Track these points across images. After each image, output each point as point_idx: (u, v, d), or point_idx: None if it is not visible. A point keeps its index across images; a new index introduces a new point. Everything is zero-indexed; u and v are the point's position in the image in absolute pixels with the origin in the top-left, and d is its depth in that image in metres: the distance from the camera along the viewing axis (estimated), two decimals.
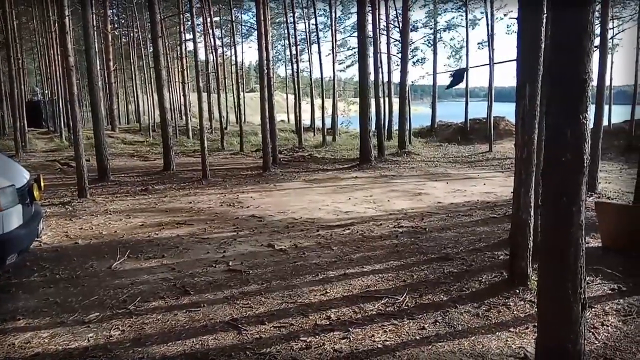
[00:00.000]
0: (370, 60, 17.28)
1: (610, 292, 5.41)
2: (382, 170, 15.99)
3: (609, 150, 18.27)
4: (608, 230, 7.02)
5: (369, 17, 17.10)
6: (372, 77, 17.48)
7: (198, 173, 15.09)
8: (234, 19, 30.56)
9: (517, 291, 5.42)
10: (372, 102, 18.50)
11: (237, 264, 6.87)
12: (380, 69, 20.65)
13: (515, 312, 5.00)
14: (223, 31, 40.34)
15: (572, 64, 2.91)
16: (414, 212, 9.94)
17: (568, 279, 3.01)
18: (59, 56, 25.36)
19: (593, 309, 4.94)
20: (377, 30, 18.85)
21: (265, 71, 15.47)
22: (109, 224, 9.29)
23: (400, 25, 20.32)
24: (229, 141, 26.49)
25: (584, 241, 3.14)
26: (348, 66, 33.76)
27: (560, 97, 3.00)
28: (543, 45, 5.44)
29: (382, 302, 5.31)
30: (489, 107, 24.92)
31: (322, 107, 28.23)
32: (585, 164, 3.00)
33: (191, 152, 23.24)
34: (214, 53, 29.71)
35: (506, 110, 28.75)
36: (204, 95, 31.11)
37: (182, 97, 37.26)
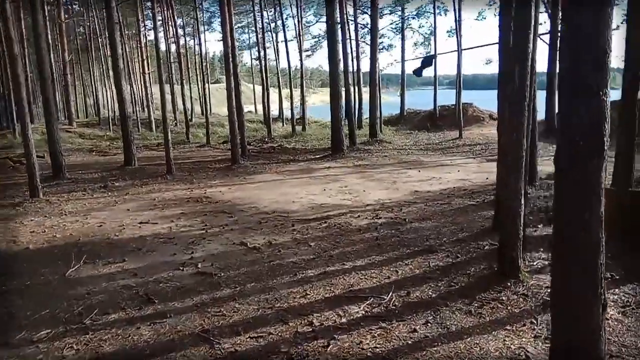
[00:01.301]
0: (340, 47, 16.79)
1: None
2: (355, 160, 15.60)
3: None
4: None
5: (337, 4, 16.57)
6: (341, 65, 16.98)
7: (162, 168, 14.28)
8: (197, 6, 29.39)
9: (509, 284, 5.11)
10: (342, 90, 18.03)
11: (207, 265, 6.33)
12: (350, 56, 20.22)
13: (509, 308, 4.68)
14: (185, 20, 38.90)
15: (593, 35, 2.51)
16: (391, 202, 9.58)
17: (588, 277, 2.65)
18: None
19: None
20: (345, 16, 18.34)
21: (231, 58, 14.74)
22: (64, 226, 8.53)
23: (370, 11, 19.85)
24: (194, 133, 25.51)
25: (603, 235, 2.79)
26: (308, 55, 33.05)
27: (576, 72, 2.60)
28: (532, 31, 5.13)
29: (368, 302, 4.90)
30: (458, 94, 24.85)
31: (291, 97, 27.57)
32: (605, 147, 2.63)
33: (155, 145, 22.23)
34: (176, 42, 28.49)
35: (472, 98, 28.90)
36: (167, 86, 29.96)
37: (143, 89, 35.79)
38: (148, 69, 34.15)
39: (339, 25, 16.59)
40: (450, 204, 8.98)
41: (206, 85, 33.35)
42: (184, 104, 26.51)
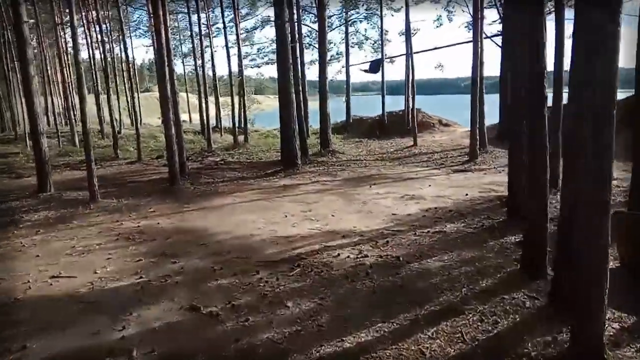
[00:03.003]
0: (290, 51, 15.09)
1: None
2: (311, 175, 13.95)
3: None
4: (627, 247, 5.65)
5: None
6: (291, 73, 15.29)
7: (85, 193, 11.81)
8: (119, 8, 26.50)
9: None
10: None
11: (147, 351, 4.43)
12: (298, 62, 18.59)
13: None
14: (110, 25, 35.49)
15: None
16: (370, 230, 8.03)
17: None
18: None
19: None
20: (295, 15, 16.70)
21: (167, 62, 12.57)
22: None
23: (317, 12, 18.36)
24: (124, 147, 22.72)
25: None
26: (253, 60, 31.15)
27: None
28: None
29: None
30: (407, 99, 24.10)
31: (232, 104, 25.47)
32: None
33: (78, 163, 19.32)
34: (100, 48, 25.46)
35: (417, 103, 28.37)
36: (91, 97, 26.78)
37: (64, 100, 32.12)
38: (69, 78, 30.65)
39: (289, 26, 14.91)
40: (445, 233, 7.55)
41: (135, 94, 30.36)
42: (111, 115, 23.62)
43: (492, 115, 20.45)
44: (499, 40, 19.95)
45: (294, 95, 15.14)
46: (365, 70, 23.10)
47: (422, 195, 10.61)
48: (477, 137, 15.53)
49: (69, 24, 22.35)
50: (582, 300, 3.73)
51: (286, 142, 15.18)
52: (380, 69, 26.11)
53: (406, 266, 6.14)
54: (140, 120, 28.92)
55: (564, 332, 4.21)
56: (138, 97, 33.00)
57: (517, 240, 6.86)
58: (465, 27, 23.17)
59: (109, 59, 28.77)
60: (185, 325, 4.94)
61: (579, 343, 3.76)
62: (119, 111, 31.76)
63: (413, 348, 4.18)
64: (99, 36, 24.42)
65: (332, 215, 9.18)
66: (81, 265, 7.05)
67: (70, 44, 31.50)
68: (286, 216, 9.30)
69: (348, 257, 6.69)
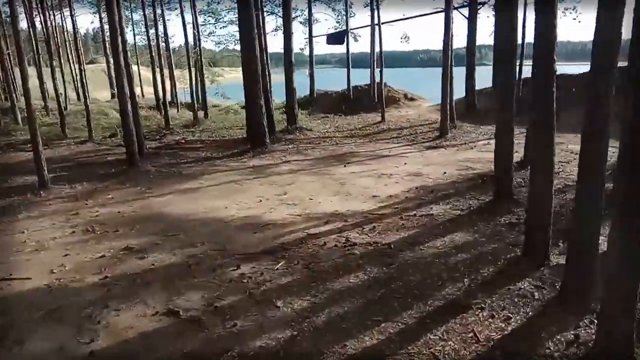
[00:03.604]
0: (254, 20, 14.12)
1: None
2: (281, 154, 13.31)
3: None
4: None
5: None
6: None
7: (32, 178, 10.69)
8: None
9: None
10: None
11: None
12: (261, 32, 17.55)
13: None
14: None
15: None
16: (352, 214, 7.60)
17: None
18: None
19: None
20: None
21: (119, 30, 11.39)
22: None
23: None
24: (72, 125, 21.04)
25: None
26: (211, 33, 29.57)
27: None
28: None
29: None
30: (372, 73, 23.65)
31: (190, 78, 24.12)
32: None
33: (22, 143, 17.76)
34: (41, 16, 23.29)
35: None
36: (32, 70, 24.71)
37: (1, 73, 29.45)
38: (7, 49, 28.11)
39: None
40: (432, 216, 7.21)
41: (81, 66, 28.22)
42: (55, 89, 21.82)
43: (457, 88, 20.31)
44: (465, 11, 19.74)
45: (260, 69, 14.30)
46: (330, 42, 22.35)
47: (399, 174, 10.26)
48: (447, 112, 15.32)
49: None
50: (611, 294, 3.45)
51: (253, 119, 14.38)
52: (345, 40, 25.48)
53: (399, 255, 5.76)
54: (88, 95, 27.01)
55: (581, 327, 3.96)
56: (84, 70, 30.83)
57: (507, 221, 6.64)
58: None
59: (50, 27, 26.50)
60: (164, 334, 4.37)
61: (604, 340, 3.49)
62: (64, 85, 29.58)
63: (425, 352, 3.81)
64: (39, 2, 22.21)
65: (310, 199, 8.68)
66: (35, 264, 6.26)
67: (7, 12, 28.83)
68: (260, 200, 8.72)
69: (335, 245, 6.24)
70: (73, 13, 29.51)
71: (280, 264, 5.75)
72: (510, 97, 7.04)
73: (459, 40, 34.10)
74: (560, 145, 9.99)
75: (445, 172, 10.05)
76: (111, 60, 21.21)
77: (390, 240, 6.27)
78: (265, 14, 23.25)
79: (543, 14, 4.82)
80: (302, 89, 28.78)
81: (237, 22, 15.86)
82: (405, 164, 11.44)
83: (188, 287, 5.31)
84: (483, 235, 6.17)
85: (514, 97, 7.22)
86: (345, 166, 11.47)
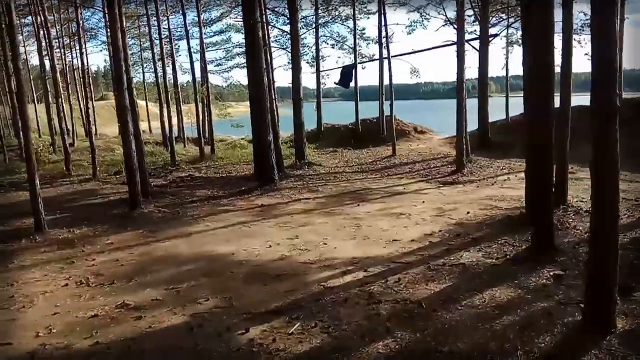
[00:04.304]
0: (263, 57, 13.81)
1: None
2: (291, 192, 12.68)
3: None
4: None
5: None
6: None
7: (30, 220, 10.07)
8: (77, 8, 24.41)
9: None
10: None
11: None
12: (269, 67, 17.30)
13: None
14: (63, 28, 33.01)
15: None
16: (373, 262, 6.86)
17: None
18: None
19: None
20: (265, 16, 15.45)
21: (124, 67, 11.03)
22: None
23: (288, 12, 17.13)
24: (77, 162, 20.67)
25: None
26: (219, 66, 29.62)
27: None
28: None
29: None
30: (381, 106, 23.30)
31: (197, 112, 23.85)
32: None
33: (24, 182, 17.26)
34: (50, 54, 23.40)
35: (387, 109, 27.67)
36: (41, 107, 24.61)
37: (11, 110, 29.43)
38: (15, 87, 28.11)
39: (260, 27, 13.61)
40: (464, 266, 6.42)
41: (90, 102, 28.15)
42: (60, 125, 21.53)
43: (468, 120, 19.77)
44: (476, 44, 19.42)
45: (268, 104, 13.87)
46: (337, 83, 22.03)
47: (418, 214, 9.57)
48: (463, 146, 14.72)
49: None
50: None
51: (261, 155, 13.85)
52: (353, 77, 25.23)
53: (432, 316, 4.99)
54: (96, 131, 26.79)
55: None
56: (93, 106, 30.75)
57: (552, 273, 5.87)
58: (444, 25, 22.44)
59: (59, 64, 26.59)
60: None
61: None
62: (72, 121, 29.48)
63: None
64: (47, 39, 22.27)
65: (324, 243, 7.98)
66: (20, 324, 5.56)
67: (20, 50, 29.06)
68: (270, 246, 8.02)
69: (357, 303, 5.49)
70: (83, 51, 29.73)
71: (294, 327, 5.00)
72: (548, 122, 6.30)
73: (468, 72, 33.93)
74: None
75: (468, 212, 9.34)
76: None
77: (421, 296, 5.52)
78: (272, 49, 23.21)
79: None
80: (308, 122, 28.47)
81: (245, 55, 15.62)
82: (423, 202, 10.75)
83: (189, 359, 4.57)
84: (528, 291, 5.40)
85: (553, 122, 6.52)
86: (359, 205, 10.80)
